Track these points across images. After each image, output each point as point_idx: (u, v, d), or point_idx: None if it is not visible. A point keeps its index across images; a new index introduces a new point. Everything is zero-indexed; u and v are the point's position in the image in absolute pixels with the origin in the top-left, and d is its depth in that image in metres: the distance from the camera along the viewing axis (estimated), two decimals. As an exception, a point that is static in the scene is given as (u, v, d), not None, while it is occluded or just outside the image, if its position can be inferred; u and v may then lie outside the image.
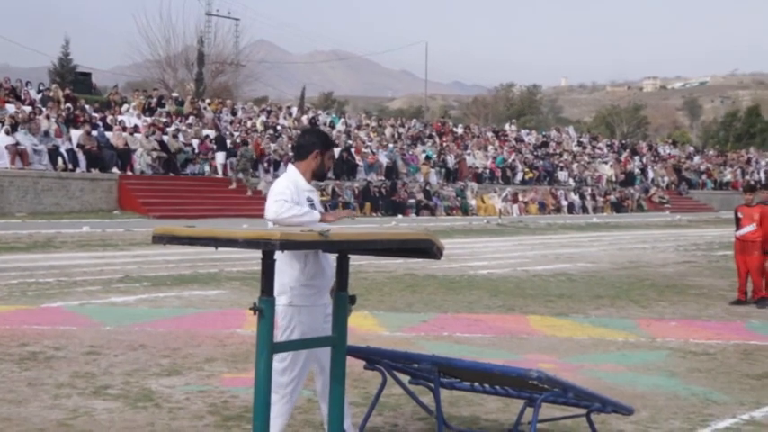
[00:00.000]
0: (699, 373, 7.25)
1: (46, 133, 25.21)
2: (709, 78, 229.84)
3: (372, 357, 5.02)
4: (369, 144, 35.65)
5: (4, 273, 12.45)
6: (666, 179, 47.62)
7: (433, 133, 42.03)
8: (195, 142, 29.37)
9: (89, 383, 6.30)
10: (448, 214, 32.50)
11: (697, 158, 54.57)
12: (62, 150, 25.12)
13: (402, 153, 35.86)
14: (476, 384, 5.09)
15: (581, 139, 52.77)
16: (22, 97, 28.28)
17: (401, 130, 41.01)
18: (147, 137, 27.58)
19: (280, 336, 4.55)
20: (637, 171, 46.99)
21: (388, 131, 39.43)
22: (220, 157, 29.07)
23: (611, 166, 45.79)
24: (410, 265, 14.45)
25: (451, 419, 5.45)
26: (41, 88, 30.66)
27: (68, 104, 28.70)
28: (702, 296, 12.33)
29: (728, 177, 51.37)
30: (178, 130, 29.27)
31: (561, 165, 42.90)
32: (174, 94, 39.14)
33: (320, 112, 44.67)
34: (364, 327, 8.78)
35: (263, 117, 35.83)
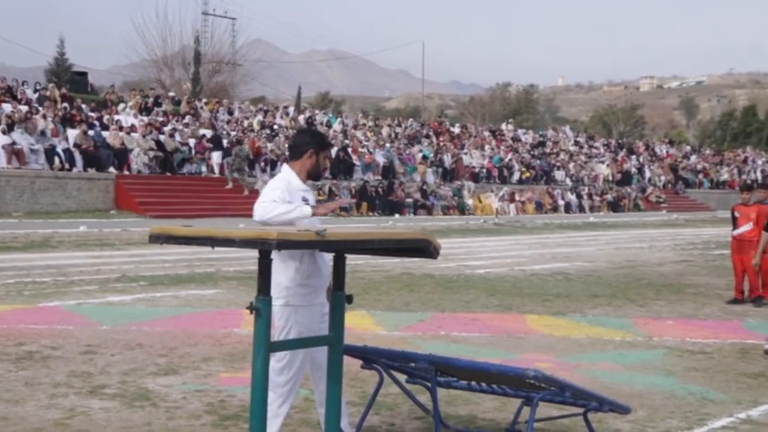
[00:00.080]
0: (696, 372, 7.26)
1: (42, 133, 25.20)
2: (705, 78, 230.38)
3: (369, 357, 5.01)
4: (366, 143, 35.64)
5: (1, 272, 12.43)
6: (663, 178, 47.66)
7: (430, 133, 42.02)
8: (192, 142, 29.36)
9: (86, 383, 6.29)
10: (445, 214, 32.50)
11: (694, 158, 54.62)
12: (59, 150, 25.11)
13: (399, 152, 35.84)
14: (473, 383, 5.08)
15: (578, 139, 52.81)
16: (19, 97, 28.26)
17: (398, 129, 40.99)
18: (143, 136, 27.58)
19: (277, 336, 4.54)
20: (633, 170, 47.01)
21: (384, 131, 39.42)
22: (217, 157, 29.07)
23: (607, 165, 45.80)
24: (407, 265, 14.45)
25: (449, 418, 5.45)
26: (38, 88, 30.64)
27: (65, 104, 28.71)
28: (699, 295, 12.34)
29: (725, 176, 51.42)
30: (175, 129, 29.24)
31: (558, 164, 42.92)
32: (171, 94, 39.15)
33: (317, 111, 44.65)
34: (361, 326, 8.78)
35: (260, 117, 35.80)
